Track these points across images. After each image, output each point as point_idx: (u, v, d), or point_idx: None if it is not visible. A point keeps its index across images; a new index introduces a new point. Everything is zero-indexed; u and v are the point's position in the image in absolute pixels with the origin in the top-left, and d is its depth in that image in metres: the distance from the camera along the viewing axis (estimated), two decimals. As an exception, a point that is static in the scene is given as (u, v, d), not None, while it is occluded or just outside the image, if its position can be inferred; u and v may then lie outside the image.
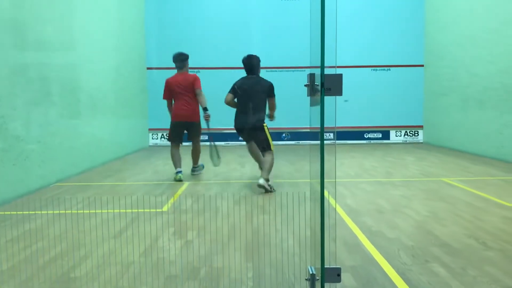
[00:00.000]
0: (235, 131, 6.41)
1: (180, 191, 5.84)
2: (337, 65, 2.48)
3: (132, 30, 10.43)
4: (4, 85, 5.25)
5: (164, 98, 6.80)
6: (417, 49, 11.55)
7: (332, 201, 4.83)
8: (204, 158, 7.35)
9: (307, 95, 2.56)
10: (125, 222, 4.32)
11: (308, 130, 11.15)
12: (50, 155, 6.28)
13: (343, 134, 11.46)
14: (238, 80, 6.29)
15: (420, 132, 11.72)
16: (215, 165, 7.06)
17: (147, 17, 11.36)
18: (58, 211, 4.67)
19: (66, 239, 3.81)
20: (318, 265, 2.56)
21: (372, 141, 11.72)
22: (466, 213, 4.55)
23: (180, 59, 6.77)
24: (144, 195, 5.46)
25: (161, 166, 8.06)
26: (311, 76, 2.48)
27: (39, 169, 6.00)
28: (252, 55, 6.29)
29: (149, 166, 8.14)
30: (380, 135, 11.74)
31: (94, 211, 4.74)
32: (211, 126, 6.94)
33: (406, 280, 2.93)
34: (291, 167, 7.85)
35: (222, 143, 11.31)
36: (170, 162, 8.14)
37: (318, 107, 2.46)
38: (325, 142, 2.47)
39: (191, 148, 7.09)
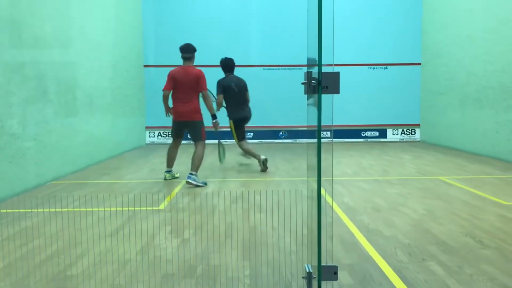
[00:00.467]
0: (228, 129, 6.86)
1: (177, 189, 5.83)
2: (335, 63, 2.47)
3: (130, 28, 10.40)
4: (1, 82, 5.23)
5: (164, 88, 6.17)
6: (415, 47, 11.56)
7: (329, 199, 4.84)
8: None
9: (304, 93, 2.56)
10: (121, 220, 4.31)
11: (305, 128, 11.14)
12: (47, 153, 6.27)
13: (340, 133, 11.47)
14: (223, 80, 7.23)
15: (417, 130, 11.74)
16: (221, 162, 7.17)
17: (144, 15, 11.33)
18: (54, 209, 4.66)
19: (62, 237, 3.80)
20: (315, 263, 2.56)
21: (369, 140, 11.73)
22: (463, 212, 4.56)
23: (188, 50, 6.31)
24: (141, 193, 5.45)
25: (158, 164, 8.04)
26: (309, 74, 2.48)
27: (36, 167, 5.98)
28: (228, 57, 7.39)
29: (146, 164, 8.13)
30: (377, 134, 11.76)
31: (90, 209, 4.72)
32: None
33: (403, 278, 2.93)
34: (288, 165, 7.85)
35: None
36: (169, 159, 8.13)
37: (315, 105, 2.46)
38: (322, 140, 2.47)
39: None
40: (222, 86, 7.15)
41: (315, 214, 2.53)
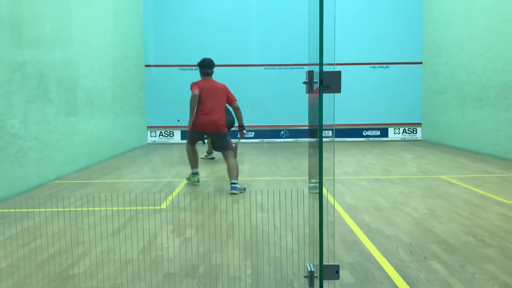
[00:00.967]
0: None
1: (178, 189, 5.84)
2: (336, 62, 2.47)
3: (130, 27, 10.41)
4: (1, 82, 5.23)
5: (195, 89, 5.85)
6: (416, 47, 11.55)
7: (330, 198, 4.84)
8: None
9: (306, 93, 2.56)
10: (123, 219, 4.31)
11: (307, 127, 11.18)
12: (48, 153, 6.27)
13: (342, 132, 11.47)
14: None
15: (419, 129, 11.74)
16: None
17: (145, 15, 11.33)
18: (56, 209, 4.66)
19: (64, 236, 3.80)
20: (317, 262, 2.56)
21: (370, 139, 11.73)
22: (464, 211, 4.56)
23: (211, 65, 6.13)
24: (143, 193, 5.46)
25: (160, 163, 8.05)
26: (310, 73, 2.48)
27: (37, 166, 5.99)
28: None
29: (148, 164, 8.13)
30: (378, 133, 11.75)
31: (92, 208, 4.73)
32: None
33: (404, 277, 2.93)
34: (289, 164, 7.85)
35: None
36: (168, 159, 8.14)
37: (316, 104, 2.46)
38: (324, 139, 2.47)
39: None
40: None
41: (317, 213, 2.53)
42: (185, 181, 6.26)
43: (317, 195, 2.52)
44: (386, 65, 11.65)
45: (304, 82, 2.52)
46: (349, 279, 2.92)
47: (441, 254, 3.34)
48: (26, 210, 4.70)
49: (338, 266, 2.58)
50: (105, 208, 4.66)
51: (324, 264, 2.55)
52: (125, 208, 4.68)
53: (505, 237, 3.73)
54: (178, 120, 9.71)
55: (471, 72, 9.10)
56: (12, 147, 5.40)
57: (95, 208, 4.71)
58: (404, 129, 11.77)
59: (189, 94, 5.93)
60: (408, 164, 7.73)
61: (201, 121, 5.89)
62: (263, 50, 11.48)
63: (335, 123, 2.66)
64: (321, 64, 2.40)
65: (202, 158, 7.99)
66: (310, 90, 2.49)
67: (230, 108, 6.20)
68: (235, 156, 7.08)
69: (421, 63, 11.55)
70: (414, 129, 11.76)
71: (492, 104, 8.36)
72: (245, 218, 4.37)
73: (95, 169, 7.48)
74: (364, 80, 11.55)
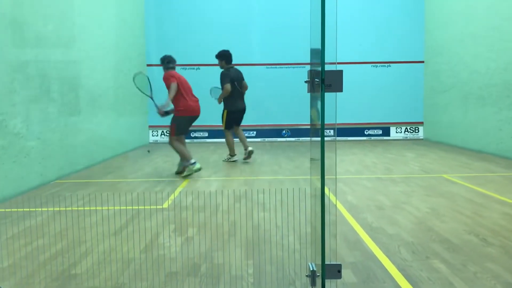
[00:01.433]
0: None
1: (180, 188, 5.84)
2: (338, 61, 2.47)
3: (132, 27, 10.41)
4: (4, 82, 5.24)
5: (174, 82, 6.44)
6: (418, 45, 11.53)
7: (332, 197, 4.83)
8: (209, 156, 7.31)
9: (307, 92, 2.55)
10: (125, 218, 4.32)
11: (309, 126, 11.17)
12: (50, 152, 6.28)
13: (344, 131, 11.46)
14: (229, 72, 7.64)
15: (420, 128, 11.72)
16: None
17: (146, 14, 11.33)
18: (58, 208, 4.67)
19: (66, 236, 3.81)
20: (319, 262, 2.56)
21: (372, 138, 11.72)
22: (466, 209, 4.55)
23: (174, 59, 7.01)
24: (145, 192, 5.46)
25: (161, 163, 8.06)
26: (312, 73, 2.47)
27: (39, 166, 6.00)
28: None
29: (150, 163, 8.14)
30: (380, 132, 11.74)
31: (94, 208, 4.74)
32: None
33: (407, 276, 2.93)
34: (291, 163, 7.85)
35: (223, 140, 11.30)
36: (170, 159, 8.15)
37: (318, 104, 2.45)
38: (326, 138, 2.47)
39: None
40: (229, 76, 7.68)
41: (319, 212, 2.53)
42: (187, 181, 6.26)
43: (319, 194, 2.52)
44: (388, 64, 11.64)
45: (306, 81, 2.52)
46: (351, 278, 2.92)
47: (443, 253, 3.33)
48: (28, 209, 4.71)
49: (340, 265, 2.58)
50: (107, 208, 4.67)
51: (326, 263, 2.55)
52: (127, 207, 4.68)
53: (508, 236, 3.72)
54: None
55: (473, 71, 9.08)
56: (15, 146, 5.41)
57: (97, 208, 4.72)
58: (406, 128, 11.75)
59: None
60: (410, 163, 7.72)
61: (193, 107, 6.66)
62: (264, 49, 11.47)
63: (337, 122, 2.66)
64: (322, 63, 2.39)
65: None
66: (311, 89, 2.49)
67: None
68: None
69: (422, 62, 11.52)
70: (416, 128, 11.74)
71: (494, 103, 8.35)
72: (247, 217, 4.37)
73: (97, 169, 7.49)
74: (366, 79, 11.53)
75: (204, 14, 11.46)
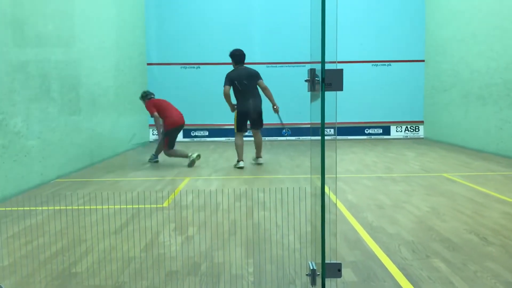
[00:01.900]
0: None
1: (180, 187, 5.84)
2: (338, 60, 2.47)
3: (132, 26, 10.40)
4: (4, 81, 5.24)
5: (153, 112, 7.64)
6: (418, 44, 11.52)
7: (332, 196, 4.83)
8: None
9: (308, 91, 2.55)
10: (125, 217, 4.32)
11: (309, 125, 11.16)
12: (51, 151, 6.29)
13: (344, 130, 11.46)
14: (231, 73, 7.28)
15: (421, 127, 11.71)
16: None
17: (147, 13, 11.33)
18: (59, 207, 4.67)
19: (67, 234, 3.81)
20: (319, 261, 2.56)
21: (372, 137, 11.71)
22: (467, 209, 4.55)
23: (151, 92, 8.01)
24: (145, 191, 5.46)
25: (161, 162, 8.05)
26: (312, 71, 2.47)
27: (40, 165, 6.00)
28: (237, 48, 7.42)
29: (150, 162, 8.13)
30: (380, 131, 11.74)
31: (94, 207, 4.74)
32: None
33: (407, 275, 2.93)
34: (292, 162, 7.85)
35: (223, 138, 11.32)
36: (170, 158, 8.16)
37: (318, 103, 2.45)
38: (326, 137, 2.46)
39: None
40: (229, 78, 7.32)
41: (319, 211, 2.53)
42: (187, 179, 6.27)
43: (319, 193, 2.52)
44: (388, 63, 11.63)
45: (306, 80, 2.52)
46: (352, 277, 2.92)
47: (444, 252, 3.33)
48: (28, 208, 4.72)
49: (340, 264, 2.58)
50: (107, 207, 4.67)
51: (326, 262, 2.55)
52: (128, 206, 4.69)
53: (508, 235, 3.72)
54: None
55: (473, 70, 9.07)
56: (15, 145, 5.41)
57: (98, 207, 4.72)
58: (406, 127, 11.75)
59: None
60: (410, 162, 7.72)
61: (179, 118, 7.65)
62: (265, 48, 11.47)
63: (337, 121, 2.66)
64: (323, 62, 2.39)
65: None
66: (312, 88, 2.49)
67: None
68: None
69: (423, 61, 11.52)
70: (416, 127, 11.74)
71: (495, 102, 8.34)
72: (247, 216, 4.37)
73: (98, 168, 7.49)
74: (366, 78, 11.53)
75: (204, 13, 11.46)
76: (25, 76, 5.70)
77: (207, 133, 11.50)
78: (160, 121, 7.63)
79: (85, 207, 4.78)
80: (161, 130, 7.61)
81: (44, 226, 4.09)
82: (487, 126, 8.60)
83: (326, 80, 2.40)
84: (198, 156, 7.49)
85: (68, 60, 7.00)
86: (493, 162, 7.43)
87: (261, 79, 7.42)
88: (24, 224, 4.16)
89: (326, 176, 2.48)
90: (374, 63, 11.62)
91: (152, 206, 4.79)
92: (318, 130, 2.48)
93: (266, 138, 11.55)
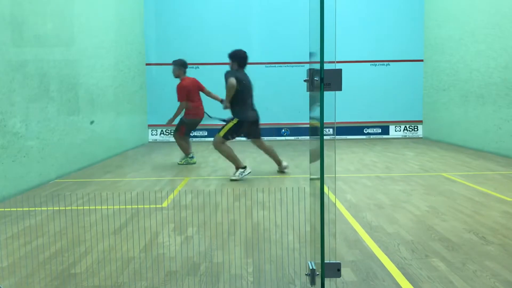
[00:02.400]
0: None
1: (180, 187, 5.84)
2: (337, 60, 2.47)
3: (131, 26, 10.40)
4: (3, 81, 5.24)
5: (182, 101, 7.43)
6: (417, 44, 11.53)
7: (332, 196, 4.84)
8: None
9: (307, 91, 2.55)
10: (125, 218, 4.32)
11: (308, 125, 11.16)
12: (50, 152, 6.28)
13: (343, 130, 11.46)
14: (238, 73, 6.41)
15: (420, 127, 11.72)
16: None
17: (146, 13, 11.32)
18: (58, 208, 4.67)
19: (66, 235, 3.81)
20: (318, 260, 2.57)
21: (371, 136, 11.72)
22: (466, 208, 4.55)
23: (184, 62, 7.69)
24: (144, 191, 5.46)
25: (161, 162, 8.05)
26: (311, 71, 2.47)
27: (39, 165, 5.99)
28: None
29: (149, 162, 8.14)
30: (379, 130, 11.74)
31: (94, 207, 4.74)
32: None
33: (406, 275, 2.93)
34: (291, 162, 7.84)
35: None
36: (170, 158, 8.16)
37: (317, 103, 2.45)
38: (325, 137, 2.47)
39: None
40: (236, 76, 6.32)
41: (318, 211, 2.53)
42: (186, 179, 6.27)
43: (319, 193, 2.52)
44: (387, 63, 11.63)
45: (305, 80, 2.52)
46: (351, 277, 2.92)
47: (443, 252, 3.33)
48: (27, 208, 4.71)
49: (339, 264, 2.58)
50: (106, 207, 4.67)
51: (325, 262, 2.55)
52: (127, 206, 4.68)
53: (507, 234, 3.72)
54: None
55: (473, 69, 9.08)
56: (14, 146, 5.41)
57: (97, 207, 4.72)
58: (405, 126, 11.75)
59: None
60: (409, 161, 7.72)
61: (201, 110, 7.49)
62: (264, 48, 11.47)
63: (336, 121, 2.66)
64: (322, 62, 2.39)
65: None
66: (311, 88, 2.49)
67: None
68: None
69: (422, 60, 11.52)
70: (415, 127, 11.74)
71: (494, 102, 8.35)
72: (247, 216, 4.37)
73: (97, 168, 7.49)
74: (365, 78, 11.53)
75: (204, 13, 11.45)
76: (24, 76, 5.69)
77: (206, 133, 11.50)
78: (188, 105, 7.38)
79: (84, 207, 4.78)
80: (181, 117, 7.46)
81: (43, 226, 4.08)
82: (486, 125, 8.61)
83: (325, 80, 2.40)
84: (194, 163, 7.67)
85: (67, 60, 6.99)
86: (492, 162, 7.43)
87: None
88: (23, 224, 4.15)
89: (325, 175, 2.48)
90: (373, 63, 11.63)
91: (151, 206, 4.79)
92: (317, 129, 2.48)
93: (265, 138, 11.55)
